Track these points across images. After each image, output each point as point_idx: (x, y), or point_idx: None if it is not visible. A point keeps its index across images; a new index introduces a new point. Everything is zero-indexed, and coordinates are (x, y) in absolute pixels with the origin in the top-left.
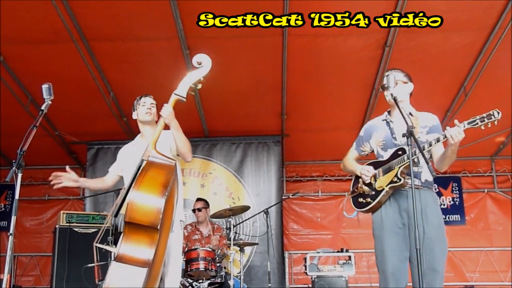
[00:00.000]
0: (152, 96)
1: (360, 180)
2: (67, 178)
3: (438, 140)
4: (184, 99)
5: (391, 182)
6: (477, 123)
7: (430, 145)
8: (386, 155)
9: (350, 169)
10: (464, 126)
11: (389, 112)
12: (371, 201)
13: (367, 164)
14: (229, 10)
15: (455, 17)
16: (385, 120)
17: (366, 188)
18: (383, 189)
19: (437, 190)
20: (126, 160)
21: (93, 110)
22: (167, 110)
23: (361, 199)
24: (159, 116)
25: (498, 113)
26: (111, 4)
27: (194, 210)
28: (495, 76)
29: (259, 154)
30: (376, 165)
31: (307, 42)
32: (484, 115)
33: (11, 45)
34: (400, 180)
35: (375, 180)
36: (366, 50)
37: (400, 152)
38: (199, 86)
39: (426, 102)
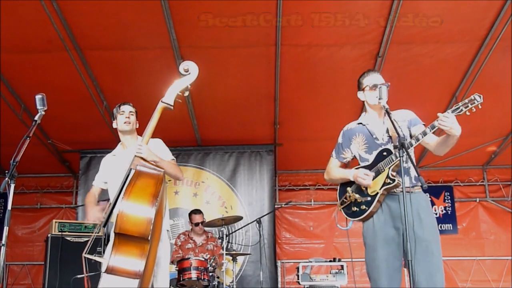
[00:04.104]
0: (131, 103)
1: (348, 188)
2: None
3: (425, 133)
4: (172, 107)
5: (385, 184)
6: (461, 109)
7: (418, 140)
8: (371, 158)
9: (339, 176)
10: (449, 113)
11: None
12: (366, 207)
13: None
14: (222, 21)
15: (447, 28)
16: (360, 123)
17: (357, 195)
18: (377, 192)
19: (429, 199)
20: (110, 171)
21: (86, 119)
22: (144, 149)
23: (354, 208)
24: (145, 125)
25: (480, 96)
26: (104, 13)
27: (197, 224)
28: (486, 86)
29: (252, 163)
30: None
31: (300, 52)
32: (466, 100)
33: (4, 53)
34: (393, 181)
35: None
36: (359, 61)
37: (385, 153)
38: (186, 93)
39: (417, 112)
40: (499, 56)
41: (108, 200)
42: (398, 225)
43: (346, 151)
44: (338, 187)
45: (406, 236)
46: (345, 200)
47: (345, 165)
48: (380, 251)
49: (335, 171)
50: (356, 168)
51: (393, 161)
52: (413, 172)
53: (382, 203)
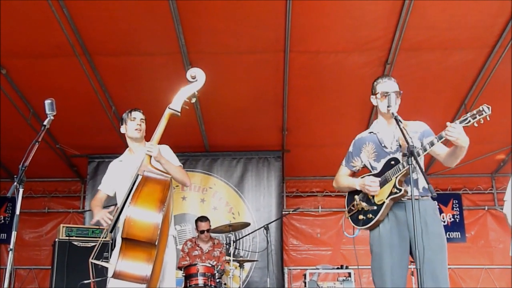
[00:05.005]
0: (142, 110)
1: (356, 197)
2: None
3: (432, 144)
4: (179, 114)
5: (391, 193)
6: (469, 121)
7: (425, 150)
8: (379, 166)
9: (347, 185)
10: (457, 124)
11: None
12: (373, 216)
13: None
14: (231, 26)
15: (456, 35)
16: (371, 132)
17: (364, 204)
18: (384, 202)
19: (438, 206)
20: (117, 177)
21: (94, 124)
22: (155, 149)
23: (361, 216)
24: (152, 131)
25: (488, 108)
26: (114, 19)
27: (202, 231)
28: (495, 93)
29: (259, 169)
30: None
31: (308, 59)
32: (474, 111)
33: (14, 58)
34: (400, 190)
35: (373, 195)
36: (368, 67)
37: (393, 162)
38: (194, 100)
39: (426, 119)
40: (509, 64)
41: (115, 205)
42: (404, 233)
43: (356, 159)
44: (346, 195)
45: (415, 244)
46: (352, 208)
47: (355, 174)
48: (386, 259)
49: (343, 179)
50: (363, 177)
51: (400, 170)
52: (421, 183)
53: (387, 214)
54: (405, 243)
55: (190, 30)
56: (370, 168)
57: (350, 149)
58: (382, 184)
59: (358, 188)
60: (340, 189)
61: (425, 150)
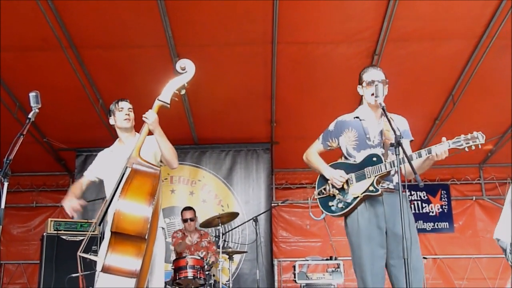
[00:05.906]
0: (129, 100)
1: (330, 182)
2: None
3: (420, 155)
4: (168, 105)
5: (368, 190)
6: (462, 144)
7: (411, 159)
8: (358, 157)
9: (316, 167)
10: (449, 146)
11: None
12: (344, 207)
13: (335, 164)
14: (218, 19)
15: (444, 26)
16: (357, 117)
17: (337, 192)
18: (358, 196)
19: (426, 197)
20: (105, 167)
21: (82, 117)
22: (152, 116)
23: (331, 203)
24: (142, 122)
25: (483, 136)
26: (100, 11)
27: (185, 220)
28: (482, 85)
29: (248, 161)
30: (348, 168)
31: (297, 50)
32: (469, 136)
33: None
34: (377, 190)
35: (348, 185)
36: (356, 58)
37: (374, 159)
38: (183, 91)
39: (414, 110)
40: (496, 54)
41: (103, 198)
42: (381, 224)
43: (334, 140)
44: (319, 176)
45: (403, 235)
46: (323, 191)
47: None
48: (365, 249)
49: (315, 158)
50: (336, 163)
51: (381, 170)
52: (396, 179)
53: (365, 203)
54: (382, 234)
55: (177, 23)
56: (346, 155)
57: (331, 128)
58: (359, 178)
59: (327, 177)
60: (308, 164)
61: (409, 159)
